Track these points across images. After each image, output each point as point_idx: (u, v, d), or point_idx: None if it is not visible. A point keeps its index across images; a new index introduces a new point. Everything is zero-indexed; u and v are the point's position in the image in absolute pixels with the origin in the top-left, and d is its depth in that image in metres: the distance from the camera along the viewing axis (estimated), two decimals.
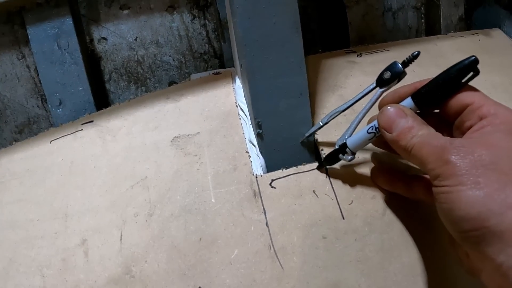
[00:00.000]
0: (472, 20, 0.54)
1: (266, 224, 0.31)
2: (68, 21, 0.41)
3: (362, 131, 0.29)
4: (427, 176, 0.28)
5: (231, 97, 0.37)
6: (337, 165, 0.32)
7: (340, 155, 0.30)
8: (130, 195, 0.34)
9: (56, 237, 0.34)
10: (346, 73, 0.41)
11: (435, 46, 0.46)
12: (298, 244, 0.30)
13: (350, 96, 0.32)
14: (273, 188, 0.33)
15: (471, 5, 0.52)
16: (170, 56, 0.43)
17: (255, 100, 0.33)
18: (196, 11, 0.41)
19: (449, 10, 0.50)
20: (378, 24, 0.49)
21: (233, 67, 0.40)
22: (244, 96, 0.37)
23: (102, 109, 0.40)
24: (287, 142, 0.34)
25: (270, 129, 0.33)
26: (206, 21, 0.41)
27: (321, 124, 0.32)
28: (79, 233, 0.34)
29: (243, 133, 0.35)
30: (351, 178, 0.33)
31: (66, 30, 0.41)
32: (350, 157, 0.30)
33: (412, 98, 0.26)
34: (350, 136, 0.30)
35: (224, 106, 0.37)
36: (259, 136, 0.33)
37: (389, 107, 0.26)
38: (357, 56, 0.44)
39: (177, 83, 0.40)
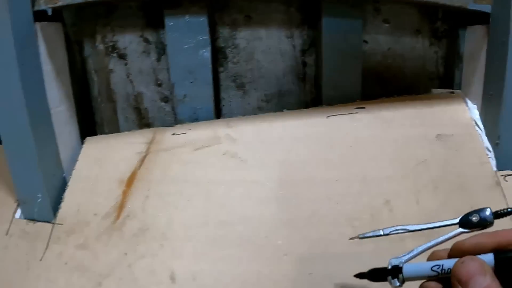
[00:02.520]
0: None
1: None
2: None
3: (425, 264, 0.27)
4: None
5: (467, 113, 0.52)
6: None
7: (389, 278, 0.28)
8: (417, 171, 0.46)
9: (360, 197, 0.44)
10: None
11: None
12: None
13: None
14: (505, 182, 0.48)
15: None
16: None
17: (502, 121, 0.48)
18: (433, 39, 0.54)
19: None
20: None
21: (459, 90, 0.55)
22: (480, 115, 0.52)
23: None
24: None
25: (505, 141, 0.49)
26: (439, 48, 0.54)
27: (382, 233, 0.32)
28: (382, 195, 0.44)
29: (482, 140, 0.50)
30: None
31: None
32: (398, 283, 0.27)
33: (495, 256, 0.24)
34: (408, 262, 0.28)
35: (464, 119, 0.51)
36: (496, 145, 0.49)
37: (471, 261, 0.24)
38: None
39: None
